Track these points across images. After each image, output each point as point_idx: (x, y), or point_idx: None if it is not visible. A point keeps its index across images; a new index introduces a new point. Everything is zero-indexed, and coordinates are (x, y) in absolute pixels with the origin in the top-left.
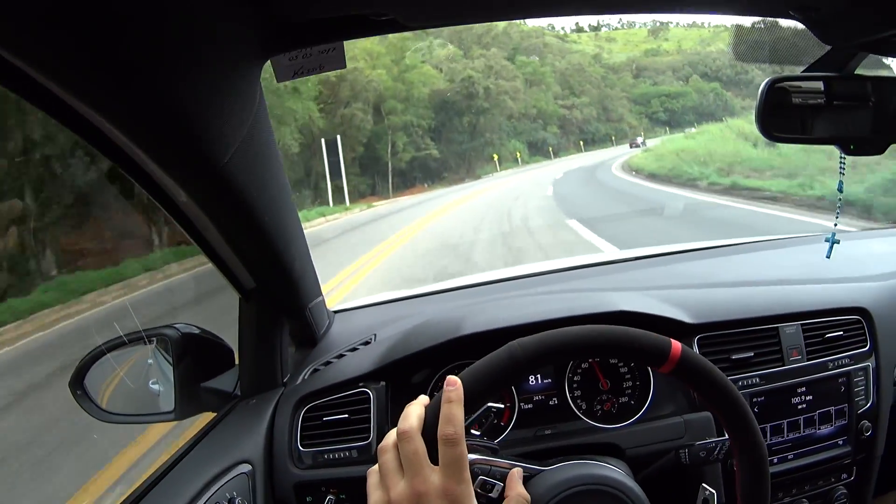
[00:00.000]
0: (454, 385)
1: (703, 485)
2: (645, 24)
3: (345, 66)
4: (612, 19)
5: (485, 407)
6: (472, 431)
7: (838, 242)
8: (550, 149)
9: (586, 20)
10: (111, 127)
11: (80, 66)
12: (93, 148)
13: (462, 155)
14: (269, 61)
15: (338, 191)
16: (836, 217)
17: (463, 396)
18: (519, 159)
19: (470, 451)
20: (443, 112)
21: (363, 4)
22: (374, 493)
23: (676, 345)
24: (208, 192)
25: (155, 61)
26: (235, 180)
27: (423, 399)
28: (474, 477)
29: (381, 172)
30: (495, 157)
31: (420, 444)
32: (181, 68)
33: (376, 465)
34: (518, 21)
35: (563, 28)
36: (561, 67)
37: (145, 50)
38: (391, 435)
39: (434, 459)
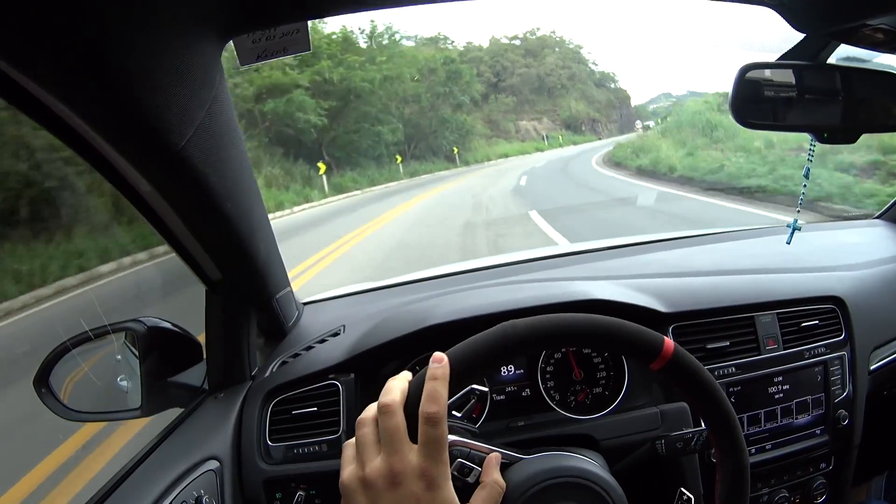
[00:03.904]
0: (440, 362)
1: (682, 489)
2: None
3: (310, 49)
4: None
5: (468, 388)
6: (454, 413)
7: (799, 229)
8: None
9: None
10: (66, 109)
11: (32, 45)
12: (52, 135)
13: None
14: (231, 42)
15: None
16: (800, 203)
17: (448, 374)
18: None
19: (450, 433)
20: None
21: None
22: (347, 466)
23: (669, 342)
24: (167, 178)
25: (109, 41)
26: (194, 164)
27: (407, 374)
28: (452, 459)
29: None
30: None
31: (401, 420)
32: (137, 46)
33: (353, 439)
34: None
35: None
36: None
37: (99, 29)
38: (371, 408)
39: (414, 437)
